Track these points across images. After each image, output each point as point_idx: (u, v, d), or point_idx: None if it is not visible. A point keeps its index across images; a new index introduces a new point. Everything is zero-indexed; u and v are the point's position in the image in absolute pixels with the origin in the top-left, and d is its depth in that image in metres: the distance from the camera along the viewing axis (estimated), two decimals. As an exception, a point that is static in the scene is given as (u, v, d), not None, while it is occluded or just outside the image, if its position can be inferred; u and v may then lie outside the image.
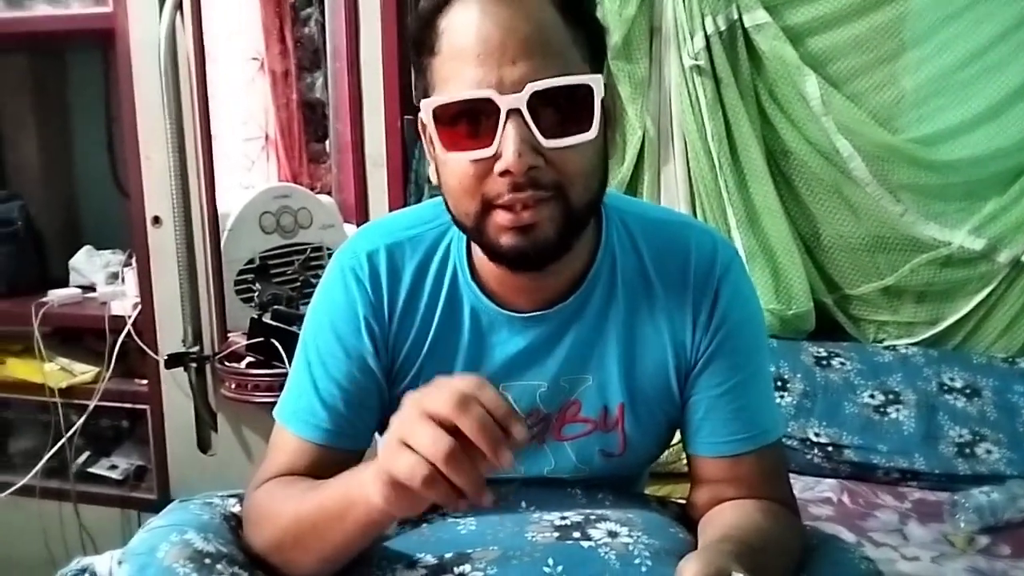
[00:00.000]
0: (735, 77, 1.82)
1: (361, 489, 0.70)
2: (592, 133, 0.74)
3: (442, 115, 0.74)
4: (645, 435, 0.90)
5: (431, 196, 1.22)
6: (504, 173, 0.72)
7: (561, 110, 0.72)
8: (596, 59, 0.77)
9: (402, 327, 0.86)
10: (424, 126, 0.79)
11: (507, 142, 0.71)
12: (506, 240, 0.75)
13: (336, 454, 0.85)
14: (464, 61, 0.72)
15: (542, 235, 0.74)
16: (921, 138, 1.80)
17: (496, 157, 0.72)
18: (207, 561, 0.77)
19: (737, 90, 1.82)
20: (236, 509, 0.88)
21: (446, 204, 0.80)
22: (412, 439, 0.63)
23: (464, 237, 0.85)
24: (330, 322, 0.87)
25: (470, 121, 0.73)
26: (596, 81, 0.73)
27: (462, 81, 0.72)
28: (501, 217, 0.74)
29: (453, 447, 0.61)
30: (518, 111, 0.71)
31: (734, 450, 0.87)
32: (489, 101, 0.71)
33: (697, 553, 0.71)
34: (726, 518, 0.83)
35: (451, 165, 0.75)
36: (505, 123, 0.71)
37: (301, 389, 0.86)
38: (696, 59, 1.80)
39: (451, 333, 0.86)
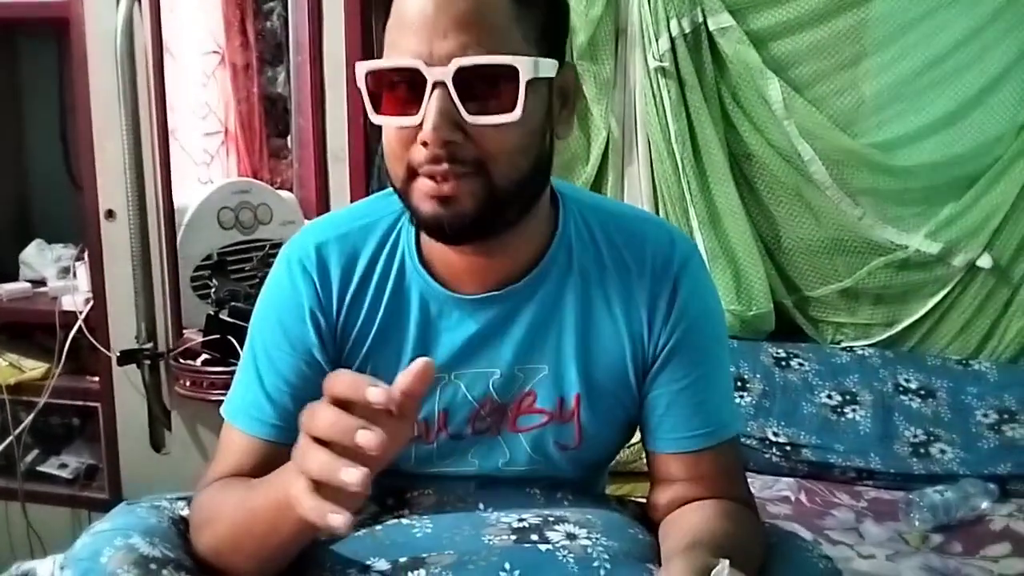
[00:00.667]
0: (699, 80, 1.83)
1: (287, 493, 0.67)
2: (515, 115, 0.73)
3: (377, 81, 0.75)
4: (602, 428, 0.89)
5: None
6: (424, 144, 0.73)
7: (487, 88, 0.72)
8: (546, 39, 0.76)
9: (349, 317, 0.84)
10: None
11: (428, 114, 0.72)
12: (426, 208, 0.75)
13: (285, 450, 0.81)
14: (403, 31, 0.73)
15: (460, 208, 0.74)
16: (880, 143, 1.83)
17: (420, 127, 0.72)
18: (152, 567, 0.75)
19: (701, 92, 1.83)
20: (185, 512, 0.86)
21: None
22: (313, 429, 0.63)
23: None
24: (276, 316, 0.85)
25: (400, 89, 0.73)
26: (524, 63, 0.72)
27: (399, 50, 0.73)
28: (423, 184, 0.75)
29: (347, 422, 0.60)
30: (443, 84, 0.71)
31: (694, 446, 0.86)
32: (417, 72, 0.71)
33: (676, 558, 0.71)
34: (690, 522, 0.82)
35: (384, 130, 0.76)
36: (430, 95, 0.71)
37: (247, 385, 0.84)
38: (661, 61, 1.81)
39: (399, 320, 0.85)
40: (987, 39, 1.75)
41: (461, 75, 0.71)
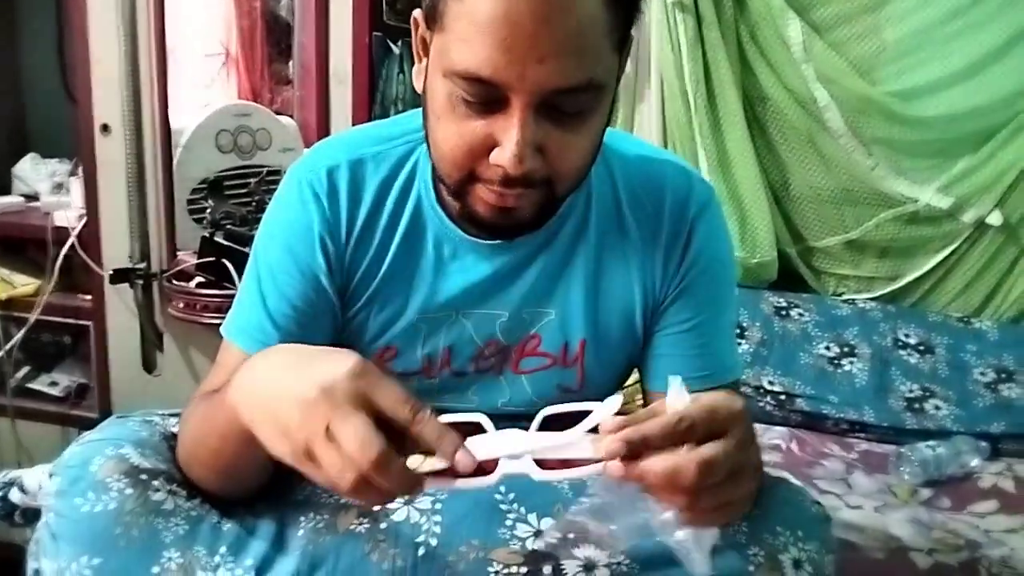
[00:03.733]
0: (718, 17, 1.77)
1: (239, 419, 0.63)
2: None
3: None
4: (604, 372, 0.89)
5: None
6: (499, 165, 0.68)
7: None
8: (625, 39, 0.71)
9: (359, 248, 0.82)
10: (417, 25, 0.74)
11: (510, 140, 0.66)
12: (484, 213, 0.73)
13: None
14: (486, 35, 0.64)
15: (520, 217, 0.73)
16: (898, 92, 1.78)
17: (496, 143, 0.68)
18: (143, 477, 0.74)
19: (719, 30, 1.77)
20: (175, 428, 0.84)
21: (424, 128, 0.75)
22: (339, 433, 0.55)
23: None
24: (283, 238, 0.82)
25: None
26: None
27: (478, 55, 0.64)
28: (485, 193, 0.71)
29: (384, 452, 0.55)
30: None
31: (693, 387, 0.85)
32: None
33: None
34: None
35: (445, 125, 0.70)
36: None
37: (250, 306, 0.82)
38: (679, -6, 1.75)
39: (411, 257, 0.83)
40: (1014, -10, 1.69)
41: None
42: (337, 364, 0.57)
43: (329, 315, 0.83)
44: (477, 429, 0.60)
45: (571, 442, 0.59)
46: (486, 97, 0.66)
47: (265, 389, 0.60)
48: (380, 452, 0.54)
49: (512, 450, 0.59)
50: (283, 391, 0.58)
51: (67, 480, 0.74)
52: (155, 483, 0.74)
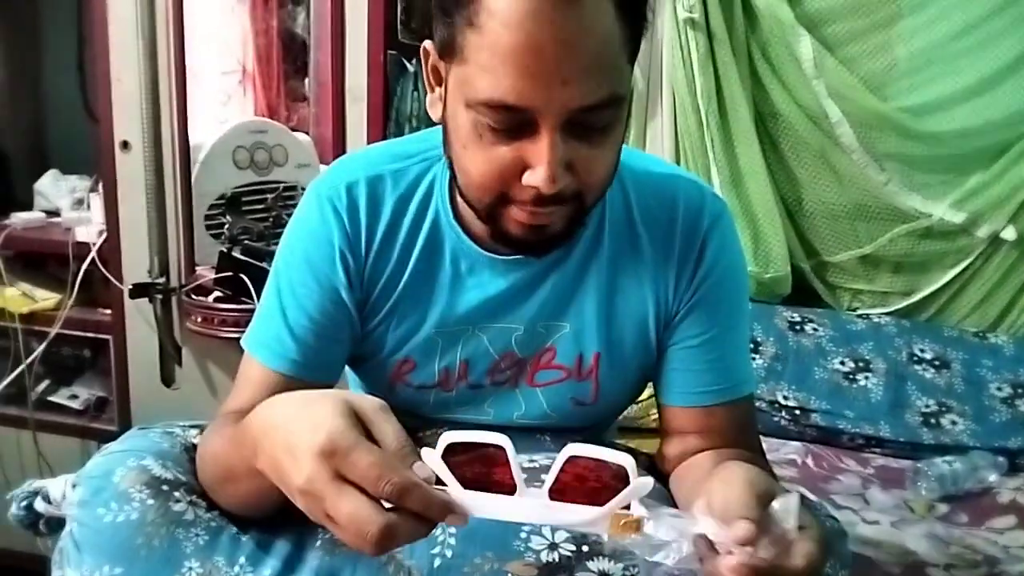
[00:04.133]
0: (729, 33, 1.78)
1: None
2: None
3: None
4: (618, 385, 0.90)
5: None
6: (532, 186, 0.70)
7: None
8: (637, 49, 0.73)
9: (378, 262, 0.83)
10: (428, 55, 0.76)
11: (541, 161, 0.68)
12: (516, 232, 0.75)
13: (303, 386, 0.82)
14: (509, 64, 0.65)
15: (552, 232, 0.75)
16: (910, 107, 1.78)
17: (527, 165, 0.69)
18: (164, 488, 0.75)
19: (730, 47, 1.79)
20: (196, 440, 0.85)
21: (447, 155, 0.77)
22: (338, 518, 0.54)
23: (447, 174, 0.82)
24: (303, 252, 0.83)
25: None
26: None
27: (503, 84, 0.66)
28: (518, 214, 0.73)
29: (387, 524, 0.53)
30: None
31: (707, 401, 0.86)
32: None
33: (721, 473, 0.63)
34: (705, 466, 0.81)
35: (473, 153, 0.71)
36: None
37: (270, 319, 0.84)
38: (691, 12, 1.76)
39: (429, 273, 0.84)
40: (1025, 5, 1.70)
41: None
42: (308, 444, 0.54)
43: (347, 328, 0.84)
44: (498, 450, 0.57)
45: (593, 521, 0.56)
46: (513, 123, 0.68)
47: (268, 464, 0.59)
48: (382, 526, 0.53)
49: (528, 519, 0.57)
50: (280, 474, 0.57)
51: (90, 491, 0.75)
52: (176, 494, 0.75)
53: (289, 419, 0.58)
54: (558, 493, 0.56)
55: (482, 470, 0.57)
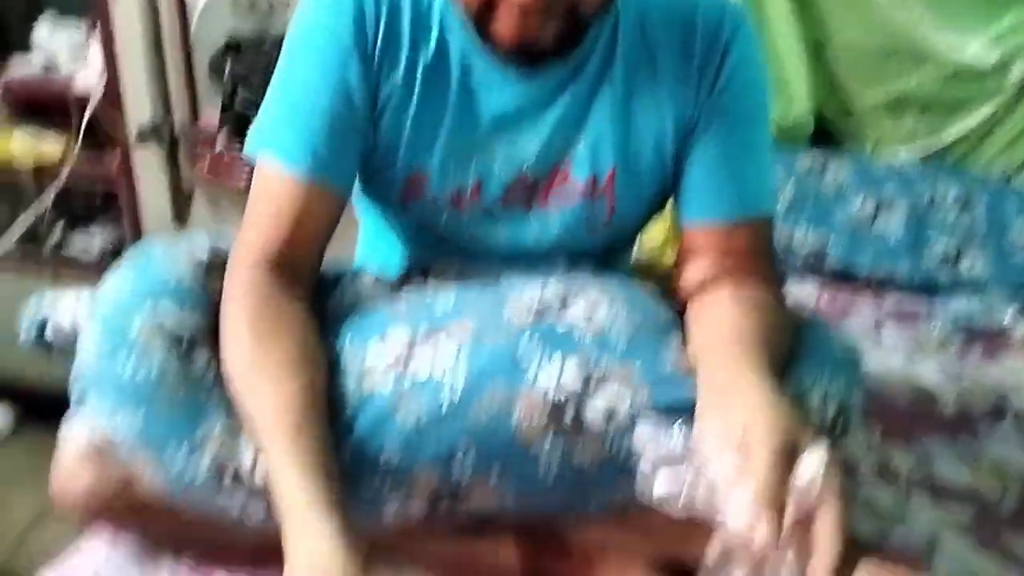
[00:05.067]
0: None
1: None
2: None
3: None
4: (633, 204, 0.88)
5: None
6: None
7: None
8: None
9: (388, 67, 0.80)
10: None
11: None
12: (504, 38, 0.73)
13: (322, 196, 0.79)
14: None
15: (542, 42, 0.74)
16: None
17: None
18: (184, 346, 0.74)
19: None
20: (205, 256, 0.81)
21: None
22: None
23: None
24: (314, 49, 0.79)
25: None
26: None
27: None
28: (505, 19, 0.71)
29: None
30: None
31: (725, 214, 0.84)
32: None
33: (756, 421, 0.63)
34: (721, 318, 0.78)
35: None
36: None
37: (282, 115, 0.79)
38: None
39: (438, 83, 0.81)
40: None
41: None
42: None
43: (358, 134, 0.81)
44: None
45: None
46: None
47: None
48: None
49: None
50: None
51: (108, 345, 0.74)
52: (194, 354, 0.74)
53: None
54: None
55: None
